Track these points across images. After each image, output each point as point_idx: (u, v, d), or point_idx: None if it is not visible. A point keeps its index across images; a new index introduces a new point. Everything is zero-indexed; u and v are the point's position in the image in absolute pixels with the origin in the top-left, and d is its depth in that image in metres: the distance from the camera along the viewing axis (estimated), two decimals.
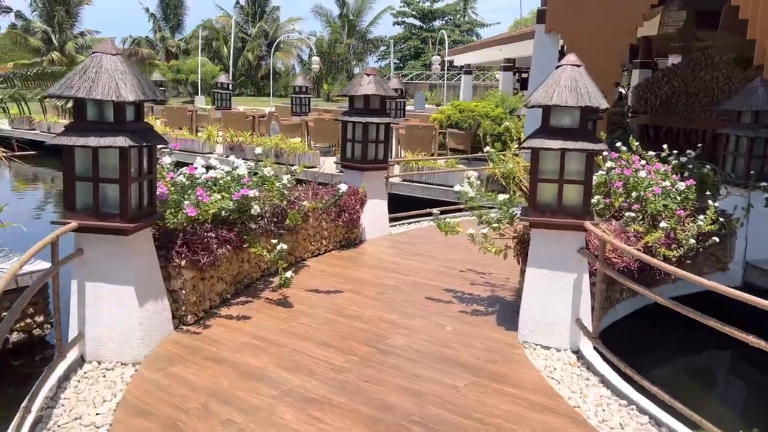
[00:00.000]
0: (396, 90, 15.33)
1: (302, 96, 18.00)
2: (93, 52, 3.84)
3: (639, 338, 6.03)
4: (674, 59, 16.86)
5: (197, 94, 35.58)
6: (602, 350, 4.10)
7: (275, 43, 46.45)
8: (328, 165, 13.19)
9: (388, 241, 7.40)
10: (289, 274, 4.94)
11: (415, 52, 58.50)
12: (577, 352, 4.37)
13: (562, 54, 15.10)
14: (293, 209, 5.68)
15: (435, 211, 5.01)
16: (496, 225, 4.86)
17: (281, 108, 21.94)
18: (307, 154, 13.39)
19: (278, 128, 16.05)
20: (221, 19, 51.08)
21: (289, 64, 53.93)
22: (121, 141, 3.73)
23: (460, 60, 32.94)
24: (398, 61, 57.31)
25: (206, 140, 15.05)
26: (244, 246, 5.06)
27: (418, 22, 59.68)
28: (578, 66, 4.27)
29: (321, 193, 6.65)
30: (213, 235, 4.73)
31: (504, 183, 5.47)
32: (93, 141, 3.73)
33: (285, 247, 4.96)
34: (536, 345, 4.45)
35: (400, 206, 9.29)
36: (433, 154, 14.44)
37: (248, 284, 5.46)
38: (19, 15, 50.12)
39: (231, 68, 39.59)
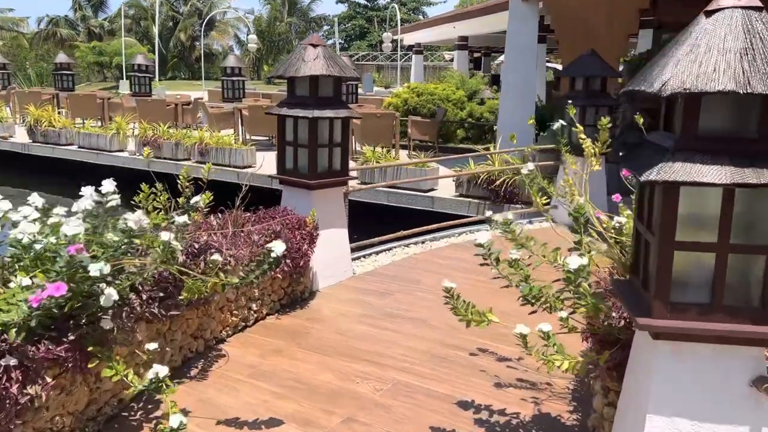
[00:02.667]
0: None
1: (235, 79, 15.30)
2: None
3: None
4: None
5: (123, 79, 31.97)
6: None
7: (206, 21, 43.01)
8: (268, 163, 10.72)
9: (350, 291, 5.08)
10: (178, 421, 2.57)
11: (360, 32, 55.97)
12: None
13: (543, 26, 12.98)
14: (195, 275, 3.29)
15: (447, 283, 2.74)
16: (564, 316, 2.64)
17: (214, 93, 19.18)
18: (240, 151, 10.89)
19: (206, 118, 13.44)
20: None
21: (226, 45, 50.53)
22: None
23: (409, 39, 30.69)
24: (343, 41, 54.65)
25: (115, 134, 12.28)
26: (90, 366, 2.68)
27: (362, 0, 57.01)
28: (759, 10, 2.06)
29: (247, 229, 4.29)
30: (13, 362, 2.33)
31: (552, 221, 3.24)
32: None
33: (165, 372, 2.59)
34: None
35: (359, 216, 7.04)
36: (393, 146, 12.21)
37: (112, 416, 3.08)
38: None
39: (157, 49, 36.09)
